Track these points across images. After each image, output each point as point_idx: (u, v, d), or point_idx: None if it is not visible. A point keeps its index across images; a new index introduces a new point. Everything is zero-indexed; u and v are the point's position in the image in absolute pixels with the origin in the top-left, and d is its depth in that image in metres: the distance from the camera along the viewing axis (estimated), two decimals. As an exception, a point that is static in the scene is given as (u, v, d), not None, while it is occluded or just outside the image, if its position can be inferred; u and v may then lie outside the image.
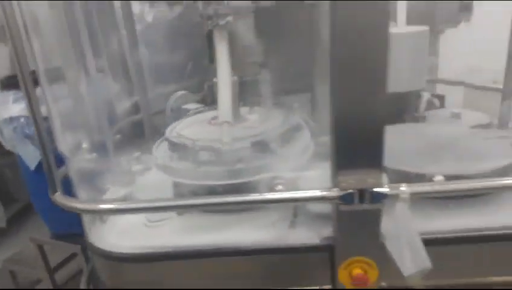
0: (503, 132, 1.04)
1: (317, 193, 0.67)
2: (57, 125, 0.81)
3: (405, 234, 0.66)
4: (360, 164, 0.67)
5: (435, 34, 1.52)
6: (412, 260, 0.66)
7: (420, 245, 0.66)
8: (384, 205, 0.67)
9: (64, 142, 0.81)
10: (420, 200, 0.74)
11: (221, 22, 0.87)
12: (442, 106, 1.33)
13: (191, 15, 1.14)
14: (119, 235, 0.84)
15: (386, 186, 0.66)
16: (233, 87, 0.90)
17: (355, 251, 0.72)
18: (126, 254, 0.80)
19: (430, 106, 1.26)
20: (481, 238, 0.74)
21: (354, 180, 0.67)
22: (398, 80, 1.15)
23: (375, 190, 0.66)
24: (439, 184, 0.69)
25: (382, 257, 0.70)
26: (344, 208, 0.68)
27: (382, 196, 0.66)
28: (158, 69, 1.17)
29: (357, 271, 0.73)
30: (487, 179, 0.73)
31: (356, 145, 0.66)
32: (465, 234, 0.74)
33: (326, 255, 0.75)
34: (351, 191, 0.66)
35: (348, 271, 0.73)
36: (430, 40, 1.54)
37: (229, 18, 0.86)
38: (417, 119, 1.17)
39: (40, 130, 0.72)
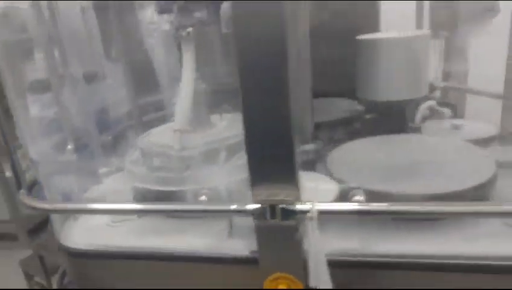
0: (493, 149, 0.94)
1: (232, 206, 0.68)
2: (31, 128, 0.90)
3: (312, 251, 0.64)
4: (274, 179, 0.66)
5: (461, 37, 1.41)
6: (315, 277, 0.64)
7: (324, 266, 0.64)
8: (300, 221, 0.66)
9: (35, 145, 0.90)
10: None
11: (183, 33, 0.90)
12: (455, 115, 1.23)
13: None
14: (86, 233, 0.91)
15: (297, 203, 0.65)
16: (199, 96, 0.93)
17: (278, 266, 0.71)
18: (86, 250, 0.87)
19: (434, 115, 1.17)
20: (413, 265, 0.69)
21: (266, 195, 0.66)
22: (391, 88, 1.10)
23: (284, 206, 0.65)
24: (349, 205, 0.66)
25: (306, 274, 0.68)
26: (258, 223, 0.67)
27: (292, 213, 0.65)
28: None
29: (281, 287, 0.72)
30: (423, 203, 0.67)
31: (269, 160, 0.65)
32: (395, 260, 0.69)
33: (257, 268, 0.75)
34: (262, 206, 0.66)
35: (274, 285, 0.72)
36: (455, 45, 1.44)
37: (189, 29, 0.89)
38: (414, 130, 1.10)
39: (4, 131, 0.81)
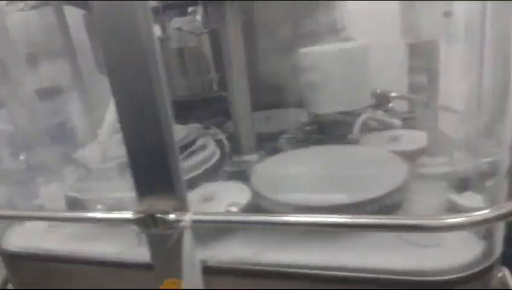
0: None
1: (116, 215, 0.72)
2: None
3: (186, 257, 0.68)
4: (154, 190, 0.70)
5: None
6: (188, 281, 0.67)
7: (197, 273, 0.67)
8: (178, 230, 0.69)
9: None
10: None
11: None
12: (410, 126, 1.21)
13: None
14: (25, 237, 0.99)
15: (173, 213, 0.68)
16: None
17: (171, 273, 0.75)
18: (22, 253, 0.95)
19: (382, 126, 1.17)
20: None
21: (148, 205, 0.70)
22: (329, 100, 1.11)
23: (160, 216, 0.69)
24: (222, 216, 0.68)
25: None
26: (143, 231, 0.71)
27: (168, 222, 0.68)
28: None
29: (173, 291, 0.75)
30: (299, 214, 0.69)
31: (149, 171, 0.70)
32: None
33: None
34: (142, 215, 0.70)
35: (168, 290, 0.76)
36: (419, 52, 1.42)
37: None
38: (352, 141, 1.11)
39: None
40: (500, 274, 0.75)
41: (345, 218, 0.64)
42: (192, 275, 0.67)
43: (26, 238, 0.96)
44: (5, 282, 1.01)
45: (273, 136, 1.22)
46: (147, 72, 0.63)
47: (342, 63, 1.08)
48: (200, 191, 0.90)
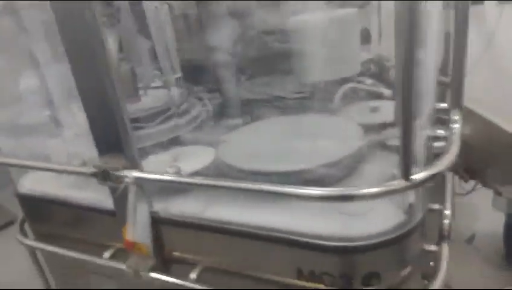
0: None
1: (78, 168, 0.85)
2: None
3: (131, 209, 0.78)
4: (110, 150, 0.81)
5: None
6: (134, 232, 0.78)
7: (144, 222, 0.78)
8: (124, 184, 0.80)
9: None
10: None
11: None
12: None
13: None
14: (37, 182, 1.16)
15: (122, 170, 0.79)
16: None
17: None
18: (34, 196, 1.12)
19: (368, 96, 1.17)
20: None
21: (103, 162, 0.81)
22: (315, 69, 1.13)
23: (111, 172, 0.79)
24: (161, 175, 0.77)
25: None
26: (100, 184, 0.83)
27: (117, 177, 0.79)
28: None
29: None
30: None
31: (104, 134, 0.80)
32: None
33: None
34: (97, 171, 0.81)
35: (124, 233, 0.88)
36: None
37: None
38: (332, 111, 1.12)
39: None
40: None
41: (268, 186, 0.70)
42: (136, 223, 0.78)
43: (36, 183, 1.13)
44: (23, 221, 1.20)
45: (267, 102, 1.26)
46: (98, 56, 0.73)
47: (328, 31, 1.08)
48: (172, 153, 0.99)
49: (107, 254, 0.98)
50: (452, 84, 0.80)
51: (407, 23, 0.53)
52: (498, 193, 1.40)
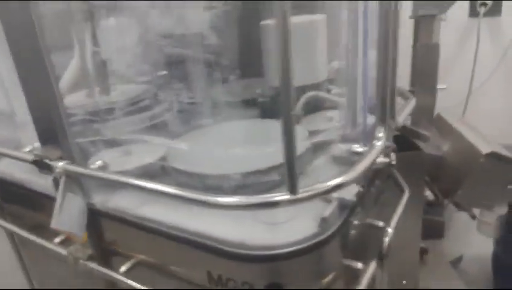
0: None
1: (20, 154, 0.89)
2: None
3: (59, 198, 0.82)
4: (49, 141, 0.85)
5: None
6: (59, 220, 0.81)
7: (75, 213, 0.81)
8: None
9: None
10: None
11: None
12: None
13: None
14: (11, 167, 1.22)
15: (54, 161, 0.83)
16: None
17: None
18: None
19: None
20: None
21: (43, 151, 0.85)
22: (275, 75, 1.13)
23: (46, 161, 0.83)
24: (88, 170, 0.80)
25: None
26: (40, 172, 0.87)
27: (50, 168, 0.83)
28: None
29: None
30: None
31: (43, 126, 0.85)
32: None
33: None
34: (35, 159, 0.85)
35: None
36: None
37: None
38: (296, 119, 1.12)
39: None
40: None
41: (173, 189, 0.71)
42: (62, 212, 0.81)
43: (10, 168, 1.19)
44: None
45: (240, 104, 1.27)
46: (35, 46, 0.77)
47: (296, 36, 1.08)
48: (125, 149, 1.02)
49: (57, 239, 1.02)
50: (378, 101, 0.78)
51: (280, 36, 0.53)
52: (472, 217, 1.34)
